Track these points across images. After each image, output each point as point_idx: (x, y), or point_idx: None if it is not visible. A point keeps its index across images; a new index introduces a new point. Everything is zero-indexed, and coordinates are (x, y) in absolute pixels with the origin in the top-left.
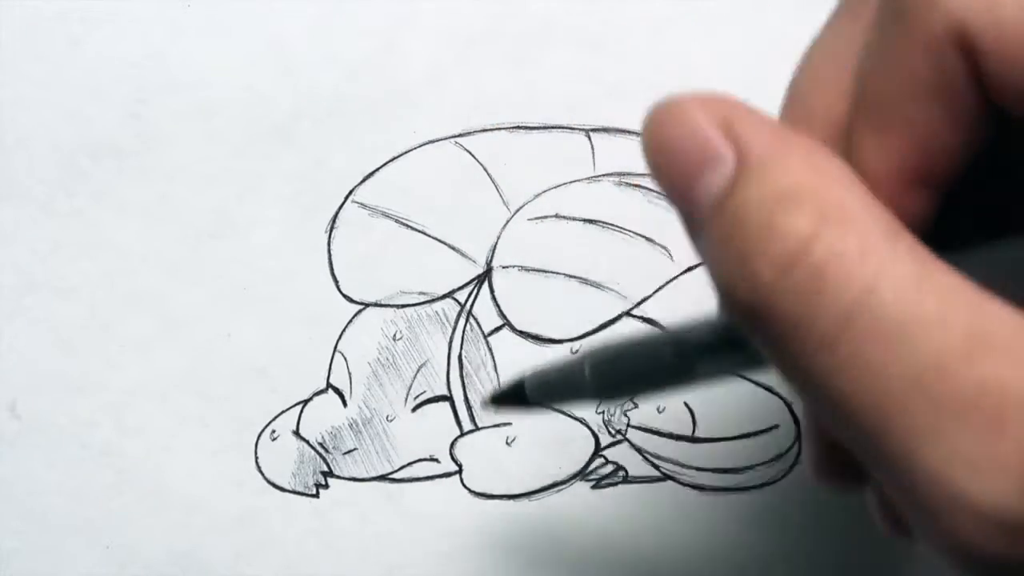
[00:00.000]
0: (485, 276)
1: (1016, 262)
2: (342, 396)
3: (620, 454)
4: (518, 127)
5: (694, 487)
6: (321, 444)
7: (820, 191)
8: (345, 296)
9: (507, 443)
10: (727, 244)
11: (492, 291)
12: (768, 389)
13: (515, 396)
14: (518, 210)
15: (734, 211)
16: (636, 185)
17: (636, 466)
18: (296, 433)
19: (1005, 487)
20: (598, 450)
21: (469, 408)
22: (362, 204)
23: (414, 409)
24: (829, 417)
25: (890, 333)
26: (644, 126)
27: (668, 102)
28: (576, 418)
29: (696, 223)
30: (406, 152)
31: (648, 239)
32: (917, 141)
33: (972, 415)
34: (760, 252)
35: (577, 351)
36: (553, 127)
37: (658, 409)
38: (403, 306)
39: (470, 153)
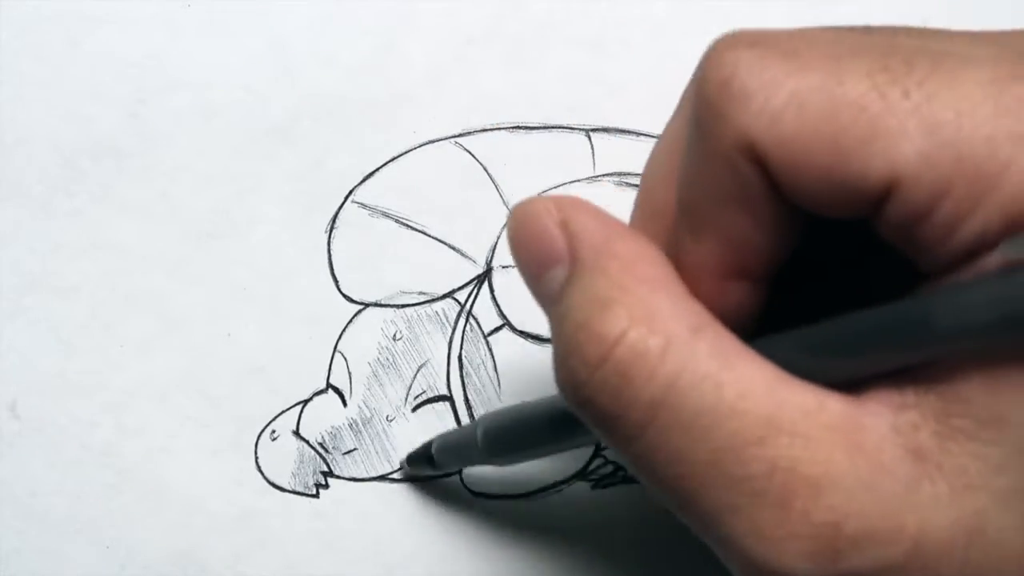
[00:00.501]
0: (485, 276)
1: (847, 335)
2: (342, 396)
3: None
4: (518, 127)
5: None
6: (321, 444)
7: (631, 293)
8: (345, 296)
9: None
10: (556, 341)
11: (492, 291)
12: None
13: (424, 458)
14: None
15: (560, 311)
16: (636, 185)
17: None
18: (296, 433)
19: (795, 555)
20: (598, 450)
21: (469, 408)
22: (362, 204)
23: (414, 409)
24: (652, 493)
25: (689, 423)
26: (508, 223)
27: (523, 203)
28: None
29: (545, 313)
30: (406, 152)
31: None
32: (727, 242)
33: (765, 493)
34: (575, 351)
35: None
36: (553, 127)
37: None
38: (403, 306)
39: (470, 153)
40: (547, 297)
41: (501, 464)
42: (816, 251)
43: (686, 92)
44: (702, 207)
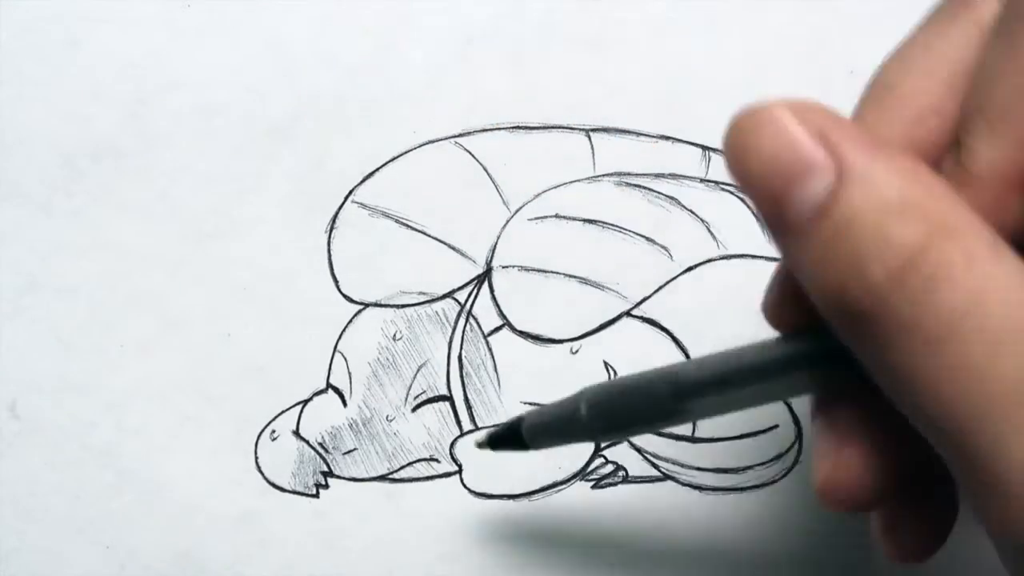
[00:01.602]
0: (485, 276)
1: None
2: (342, 396)
3: (620, 454)
4: (518, 127)
5: (694, 487)
6: (321, 444)
7: (927, 204)
8: (345, 296)
9: None
10: (836, 249)
11: (492, 291)
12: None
13: (512, 438)
14: (518, 210)
15: (843, 219)
16: (636, 185)
17: (636, 466)
18: (296, 433)
19: None
20: (598, 450)
21: (469, 408)
22: (362, 204)
23: (414, 409)
24: (923, 416)
25: (995, 338)
26: (730, 133)
27: (757, 110)
28: None
29: (792, 229)
30: (406, 152)
31: (648, 239)
32: None
33: None
34: (874, 258)
35: (576, 393)
36: (553, 127)
37: None
38: (403, 306)
39: (470, 153)
40: (801, 213)
41: (605, 440)
42: None
43: (947, 2)
44: (1009, 104)
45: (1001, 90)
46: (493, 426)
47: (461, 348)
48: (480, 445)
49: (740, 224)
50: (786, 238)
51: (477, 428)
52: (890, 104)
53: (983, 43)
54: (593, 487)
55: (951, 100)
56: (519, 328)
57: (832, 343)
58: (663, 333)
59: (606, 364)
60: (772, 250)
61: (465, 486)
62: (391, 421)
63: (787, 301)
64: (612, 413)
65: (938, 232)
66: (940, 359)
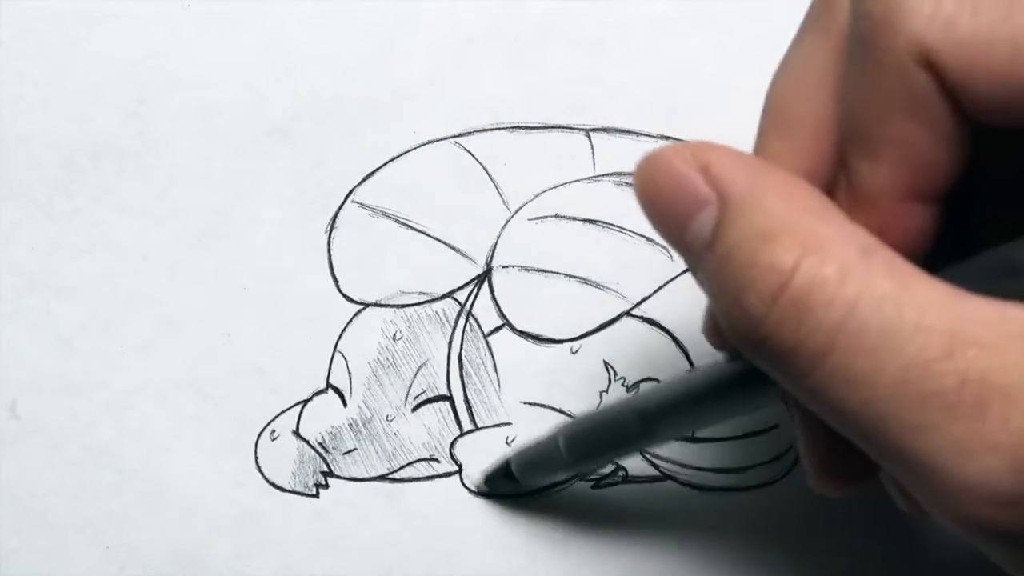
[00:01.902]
0: (485, 276)
1: (1015, 263)
2: (342, 396)
3: None
4: (518, 127)
5: (694, 487)
6: (321, 444)
7: (796, 225)
8: (345, 296)
9: (507, 443)
10: (721, 281)
11: (492, 291)
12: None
13: (504, 476)
14: (518, 210)
15: (721, 252)
16: None
17: (636, 466)
18: (296, 433)
19: (995, 466)
20: None
21: (469, 408)
22: (362, 204)
23: (414, 409)
24: (834, 424)
25: (873, 344)
26: (635, 179)
27: (651, 155)
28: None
29: (692, 263)
30: (406, 152)
31: (648, 239)
32: (903, 159)
33: (957, 406)
34: (747, 288)
35: (558, 422)
36: (553, 127)
37: None
38: (403, 306)
39: (470, 153)
40: (695, 246)
41: (587, 470)
42: (989, 170)
43: (812, 9)
44: (875, 125)
45: (863, 113)
46: (490, 468)
47: (461, 348)
48: (479, 490)
49: None
50: (692, 273)
51: (477, 428)
52: (785, 128)
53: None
54: (593, 487)
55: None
56: (519, 328)
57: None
58: (663, 333)
59: (606, 364)
60: None
61: (465, 486)
62: (391, 421)
63: (714, 329)
64: (588, 445)
65: (808, 251)
66: (826, 376)
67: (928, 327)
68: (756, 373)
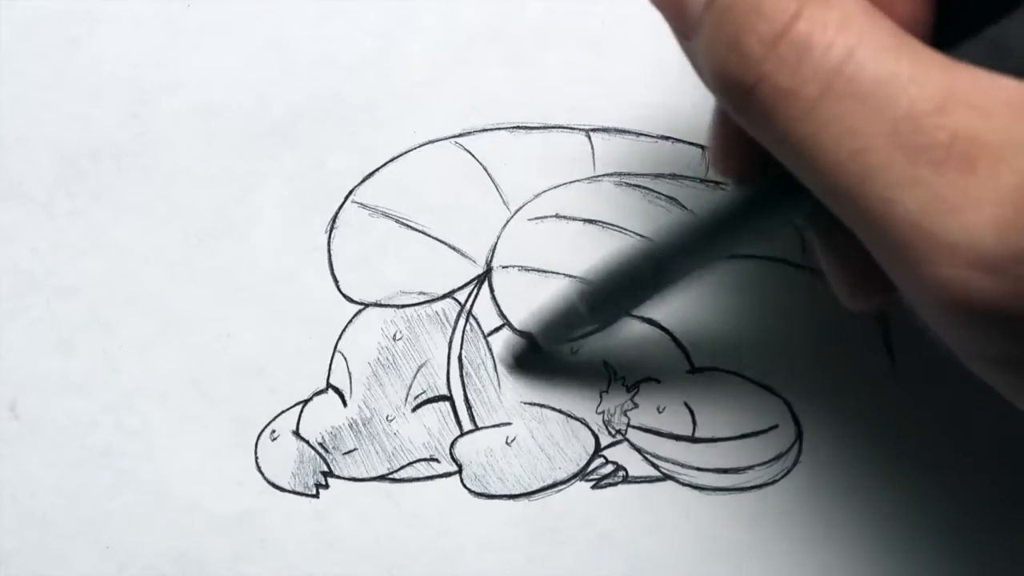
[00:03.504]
0: (485, 276)
1: (1002, 42)
2: (342, 396)
3: (620, 454)
4: (518, 127)
5: (694, 487)
6: (321, 444)
7: None
8: (345, 296)
9: (507, 443)
10: (719, 30)
11: (492, 291)
12: (768, 389)
13: (531, 349)
14: (518, 210)
15: (723, 3)
16: (636, 185)
17: (636, 466)
18: (296, 433)
19: (980, 223)
20: (598, 450)
21: (469, 408)
22: (362, 204)
23: (414, 409)
24: (813, 181)
25: (867, 92)
26: None
27: None
28: (576, 418)
29: (690, 26)
30: (406, 152)
31: (648, 239)
32: None
33: (946, 161)
34: (749, 31)
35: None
36: (553, 127)
37: (658, 409)
38: (403, 306)
39: (470, 153)
40: (694, 9)
41: (606, 323)
42: None
43: None
44: None
45: None
46: (519, 335)
47: (461, 348)
48: (510, 369)
49: None
50: (686, 39)
51: (477, 428)
52: None
53: None
54: (593, 487)
55: None
56: (519, 328)
57: (778, 178)
58: (663, 333)
59: (606, 364)
60: (771, 250)
61: (465, 486)
62: (391, 421)
63: (728, 149)
64: (607, 299)
65: (811, 0)
66: (819, 121)
67: (923, 81)
68: (764, 195)
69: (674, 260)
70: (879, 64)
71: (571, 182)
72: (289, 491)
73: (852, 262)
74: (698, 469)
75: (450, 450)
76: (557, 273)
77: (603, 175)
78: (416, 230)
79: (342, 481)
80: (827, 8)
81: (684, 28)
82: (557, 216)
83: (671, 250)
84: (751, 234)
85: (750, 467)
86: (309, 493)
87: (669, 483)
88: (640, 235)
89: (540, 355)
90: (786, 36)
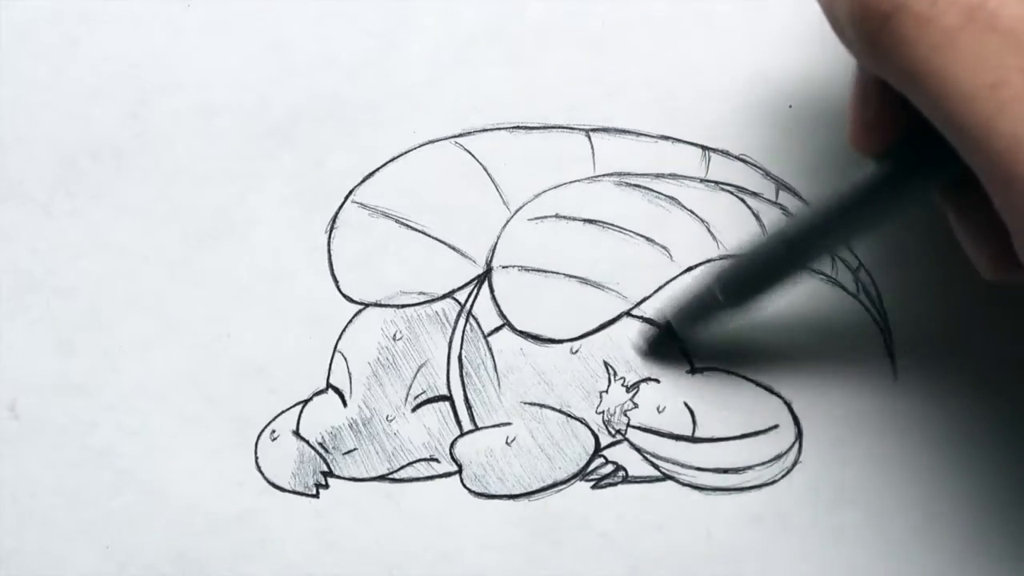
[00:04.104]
0: (485, 276)
1: None
2: (342, 396)
3: (620, 454)
4: (518, 127)
5: (694, 487)
6: (321, 444)
7: None
8: (345, 296)
9: (507, 443)
10: None
11: (492, 291)
12: (768, 389)
13: (666, 335)
14: (518, 210)
15: None
16: (636, 185)
17: (636, 466)
18: (296, 433)
19: None
20: (598, 450)
21: (469, 408)
22: (362, 204)
23: (414, 409)
24: (944, 115)
25: (1010, 27)
26: None
27: None
28: (576, 418)
29: None
30: (406, 152)
31: (648, 239)
32: None
33: None
34: None
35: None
36: (553, 127)
37: (658, 409)
38: (403, 306)
39: (470, 153)
40: None
41: (743, 310)
42: None
43: None
44: None
45: None
46: (651, 322)
47: (461, 348)
48: (643, 355)
49: (740, 224)
50: None
51: (477, 428)
52: None
53: None
54: (593, 487)
55: None
56: (519, 328)
57: (914, 154)
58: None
59: (606, 364)
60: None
61: (465, 486)
62: (391, 421)
63: (867, 128)
64: (742, 284)
65: None
66: (957, 51)
67: None
68: (899, 172)
69: (809, 241)
70: (1020, 6)
71: (571, 182)
72: (289, 491)
73: (988, 236)
74: (698, 469)
75: (450, 450)
76: (557, 273)
77: (603, 175)
78: (416, 230)
79: (342, 481)
80: None
81: None
82: (557, 216)
83: (806, 231)
84: (885, 212)
85: (750, 467)
86: (309, 493)
87: (669, 483)
88: (640, 235)
89: (674, 342)
90: None
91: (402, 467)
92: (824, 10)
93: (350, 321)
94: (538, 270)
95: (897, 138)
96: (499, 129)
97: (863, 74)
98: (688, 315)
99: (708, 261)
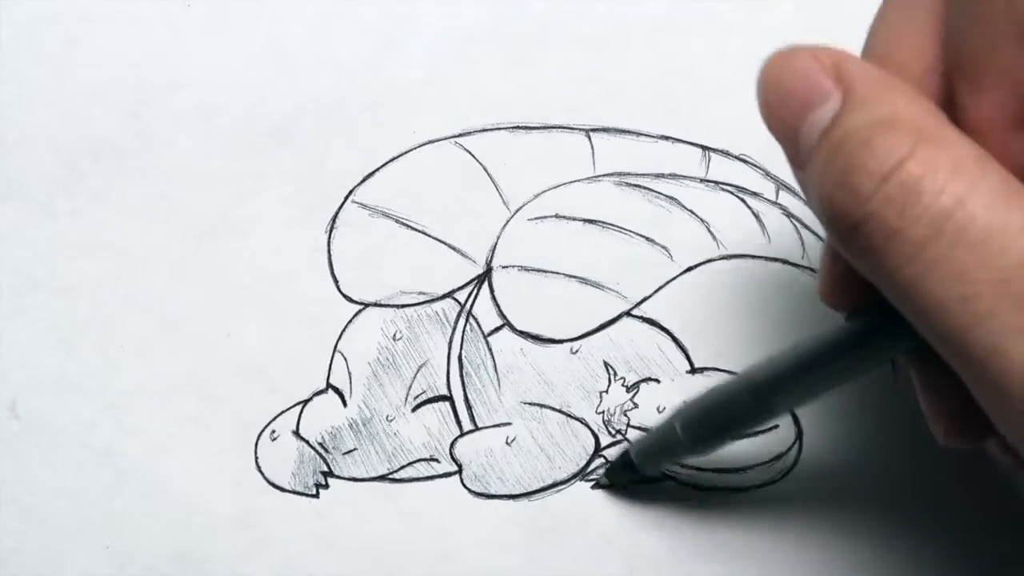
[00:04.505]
0: (485, 276)
1: None
2: (342, 396)
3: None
4: (518, 127)
5: (694, 487)
6: (321, 444)
7: (918, 119)
8: (345, 296)
9: (507, 443)
10: (831, 165)
11: (492, 291)
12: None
13: (625, 468)
14: (518, 210)
15: (839, 136)
16: (636, 185)
17: None
18: (296, 433)
19: None
20: (598, 450)
21: (469, 408)
22: (362, 204)
23: (414, 409)
24: (919, 322)
25: (978, 240)
26: (760, 73)
27: (783, 51)
28: (576, 418)
29: (803, 155)
30: (406, 152)
31: (648, 239)
32: (1012, 88)
33: None
34: (860, 167)
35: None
36: (553, 127)
37: (658, 409)
38: (403, 306)
39: (470, 153)
40: (809, 136)
41: (705, 453)
42: None
43: None
44: (982, 54)
45: (970, 44)
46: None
47: (461, 348)
48: (600, 484)
49: (740, 224)
50: (799, 168)
51: (477, 428)
52: (888, 70)
53: None
54: (593, 487)
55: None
56: (519, 328)
57: (884, 315)
58: (663, 333)
59: (606, 364)
60: (771, 250)
61: (465, 486)
62: (391, 421)
63: (837, 283)
64: (705, 427)
65: (924, 142)
66: (926, 264)
67: None
68: (871, 330)
69: (775, 391)
70: (990, 213)
71: (571, 182)
72: (289, 491)
73: (951, 403)
74: (698, 469)
75: (450, 450)
76: (557, 273)
77: (603, 175)
78: (416, 230)
79: (342, 481)
80: (938, 151)
81: (797, 157)
82: (557, 216)
83: (773, 381)
84: (852, 369)
85: (750, 467)
86: (309, 493)
87: (669, 483)
88: (640, 235)
89: (635, 475)
90: (896, 175)
91: (402, 467)
92: (800, 188)
93: (350, 321)
94: (538, 270)
95: (866, 300)
96: (499, 129)
97: None
98: (648, 451)
99: (708, 261)
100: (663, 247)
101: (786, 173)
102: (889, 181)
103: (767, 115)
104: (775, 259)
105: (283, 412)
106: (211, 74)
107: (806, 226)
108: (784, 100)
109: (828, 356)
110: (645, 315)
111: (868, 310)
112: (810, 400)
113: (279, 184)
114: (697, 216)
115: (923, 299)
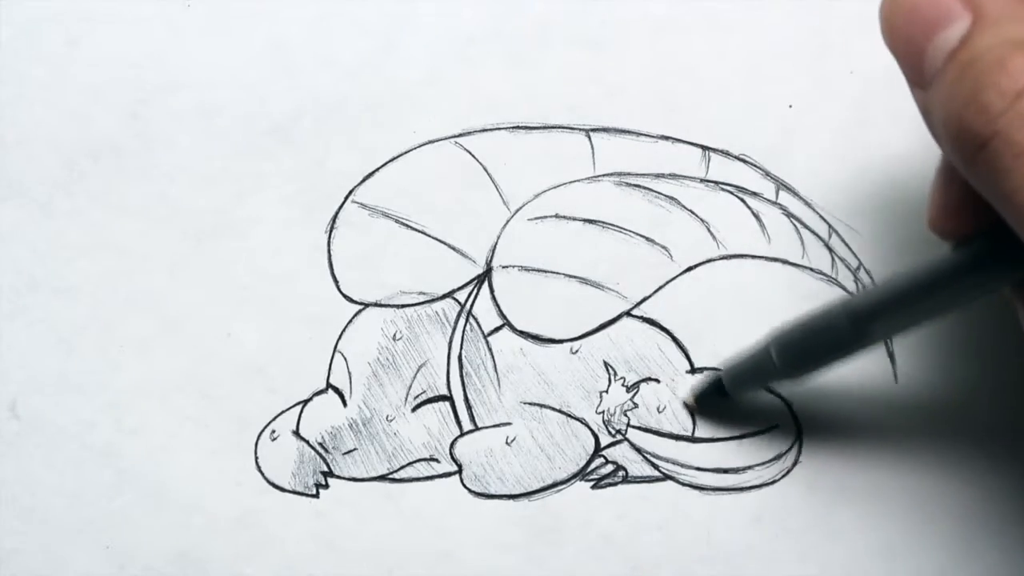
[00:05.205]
0: (485, 276)
1: None
2: (342, 396)
3: (620, 454)
4: (518, 127)
5: (694, 487)
6: (321, 444)
7: None
8: (345, 296)
9: (507, 443)
10: (960, 84)
11: (492, 291)
12: (768, 389)
13: (715, 392)
14: (518, 210)
15: (969, 56)
16: (636, 185)
17: (636, 466)
18: (296, 433)
19: None
20: (598, 450)
21: (469, 408)
22: (362, 204)
23: (414, 409)
24: None
25: None
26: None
27: None
28: (576, 418)
29: (927, 75)
30: (406, 152)
31: (648, 239)
32: None
33: None
34: (991, 85)
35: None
36: (553, 127)
37: (658, 409)
38: (403, 306)
39: (470, 153)
40: (935, 57)
41: (797, 378)
42: None
43: None
44: None
45: None
46: (704, 372)
47: (461, 348)
48: (689, 406)
49: (740, 224)
50: (922, 89)
51: (477, 428)
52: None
53: None
54: (593, 487)
55: None
56: (519, 328)
57: (996, 242)
58: (663, 333)
59: (606, 364)
60: (771, 250)
61: (465, 486)
62: (391, 421)
63: (949, 211)
64: (801, 352)
65: None
66: None
67: None
68: (982, 257)
69: (876, 319)
70: None
71: (571, 182)
72: (289, 491)
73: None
74: (698, 469)
75: (450, 450)
76: (557, 273)
77: (603, 175)
78: (416, 230)
79: (342, 481)
80: None
81: (920, 78)
82: (557, 216)
83: (874, 307)
84: (958, 298)
85: (750, 467)
86: (309, 493)
87: (669, 483)
88: (640, 235)
89: (725, 399)
90: None
91: (402, 467)
92: (920, 109)
93: (350, 321)
94: (538, 270)
95: (977, 228)
96: (499, 129)
97: (948, 161)
98: (741, 375)
99: (708, 261)
100: (663, 247)
101: (786, 173)
102: (1021, 98)
103: (890, 35)
104: (775, 259)
105: (283, 412)
106: (211, 74)
107: (806, 226)
108: (910, 20)
109: (934, 284)
110: (645, 315)
111: (979, 238)
112: (909, 329)
113: (279, 184)
114: (697, 216)
115: None
